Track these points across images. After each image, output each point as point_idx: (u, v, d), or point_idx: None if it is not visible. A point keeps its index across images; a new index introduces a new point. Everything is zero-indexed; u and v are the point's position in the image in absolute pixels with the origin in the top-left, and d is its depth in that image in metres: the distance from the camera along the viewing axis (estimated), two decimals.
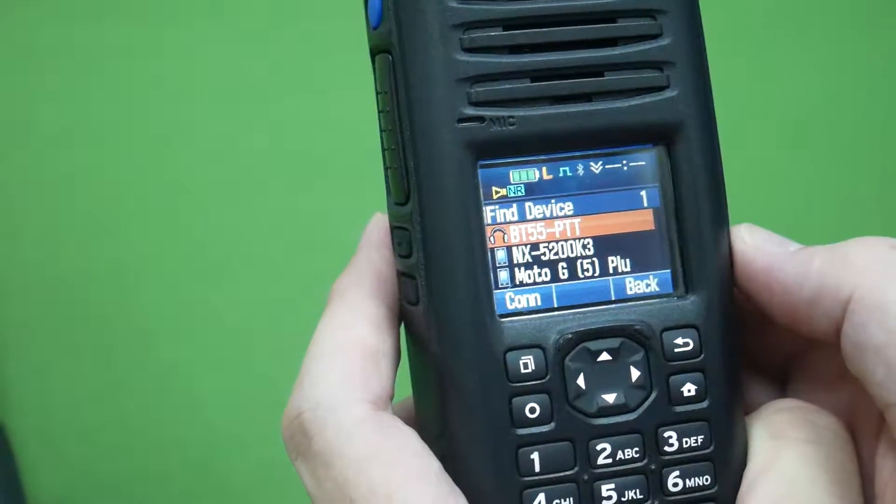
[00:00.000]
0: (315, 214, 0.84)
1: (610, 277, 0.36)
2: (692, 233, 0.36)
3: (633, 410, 0.35)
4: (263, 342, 0.84)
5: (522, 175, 0.35)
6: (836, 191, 0.93)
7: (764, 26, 0.92)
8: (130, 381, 0.84)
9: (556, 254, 0.36)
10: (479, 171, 0.35)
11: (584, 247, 0.36)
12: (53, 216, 0.83)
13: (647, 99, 0.35)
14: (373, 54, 0.36)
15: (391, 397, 0.36)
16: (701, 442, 0.35)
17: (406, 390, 0.38)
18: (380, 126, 0.36)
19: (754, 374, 0.38)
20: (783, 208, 0.90)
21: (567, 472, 0.35)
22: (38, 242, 0.83)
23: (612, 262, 0.36)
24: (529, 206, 0.35)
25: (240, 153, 0.85)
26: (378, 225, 0.38)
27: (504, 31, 0.35)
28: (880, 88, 0.93)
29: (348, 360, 0.35)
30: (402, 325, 0.37)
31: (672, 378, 0.35)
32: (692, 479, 0.35)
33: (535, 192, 0.35)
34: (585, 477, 0.35)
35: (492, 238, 0.35)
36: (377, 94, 0.36)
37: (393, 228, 0.36)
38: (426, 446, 0.34)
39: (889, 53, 0.93)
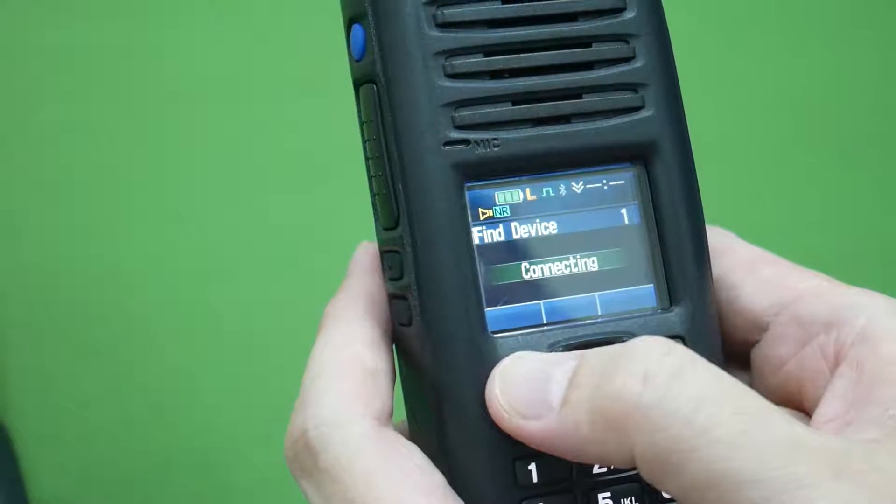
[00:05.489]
0: (316, 215, 0.85)
1: (596, 293, 0.37)
2: (672, 246, 0.37)
3: None
4: (265, 343, 0.84)
5: (507, 196, 0.36)
6: (834, 195, 0.93)
7: (762, 27, 0.92)
8: (132, 381, 0.84)
9: (543, 271, 0.36)
10: (466, 192, 0.36)
11: (570, 264, 0.36)
12: (53, 216, 0.83)
13: (624, 119, 0.37)
14: (357, 85, 0.37)
15: (391, 414, 0.36)
16: None
17: (398, 412, 0.38)
18: (365, 154, 0.37)
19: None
20: (779, 214, 0.90)
21: (564, 483, 0.35)
22: (37, 242, 0.83)
23: (597, 277, 0.37)
24: (515, 226, 0.36)
25: (240, 153, 0.85)
26: (365, 252, 0.39)
27: (485, 57, 0.36)
28: (881, 89, 0.93)
29: (349, 378, 0.36)
30: (395, 347, 0.38)
31: None
32: None
33: (520, 212, 0.36)
34: (582, 486, 0.36)
35: (481, 258, 0.36)
36: (362, 123, 0.37)
37: (383, 253, 0.37)
38: (430, 461, 0.35)
39: (888, 56, 0.93)
